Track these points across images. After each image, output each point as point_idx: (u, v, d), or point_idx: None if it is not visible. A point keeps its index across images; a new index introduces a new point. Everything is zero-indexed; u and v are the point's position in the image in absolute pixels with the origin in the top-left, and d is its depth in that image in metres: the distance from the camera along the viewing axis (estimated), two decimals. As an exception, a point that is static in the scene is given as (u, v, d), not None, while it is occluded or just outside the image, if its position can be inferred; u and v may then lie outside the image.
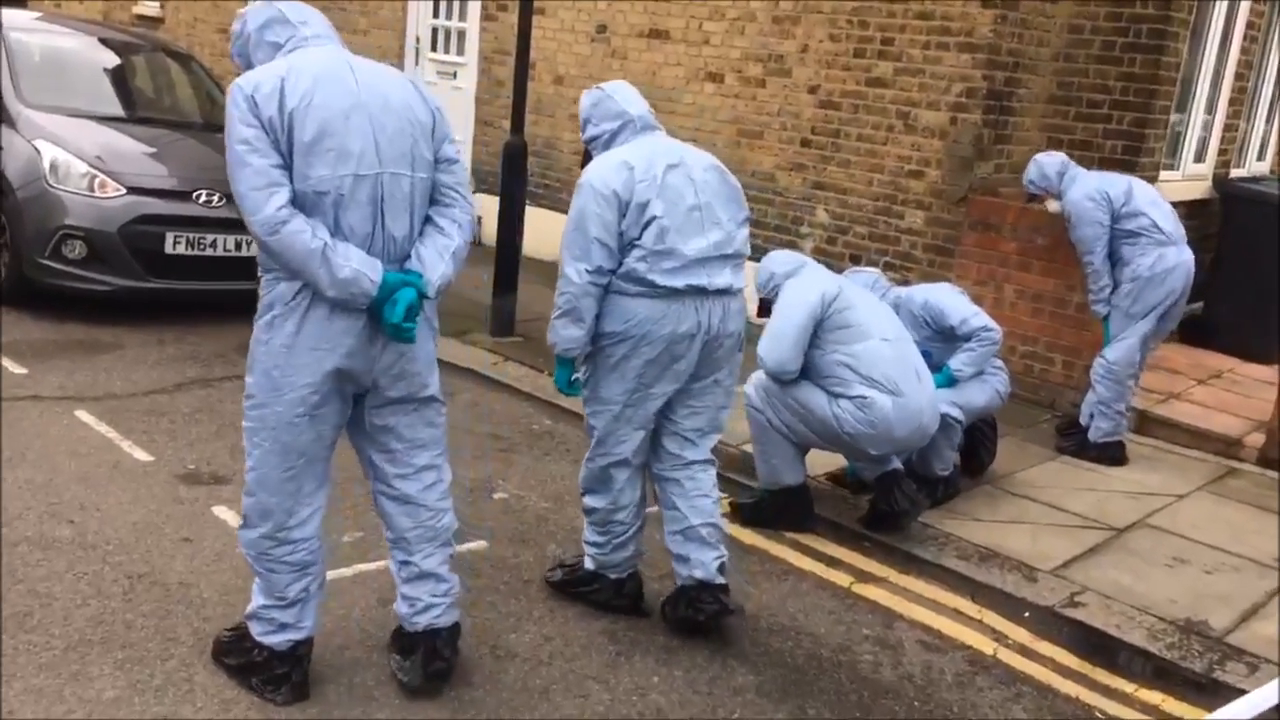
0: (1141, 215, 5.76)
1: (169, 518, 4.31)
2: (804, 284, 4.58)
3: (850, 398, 4.47)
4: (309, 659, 3.30)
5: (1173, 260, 5.78)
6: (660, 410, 3.80)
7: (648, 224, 3.52)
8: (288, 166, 2.88)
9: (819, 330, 4.49)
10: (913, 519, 4.82)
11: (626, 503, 3.86)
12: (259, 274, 3.05)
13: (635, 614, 3.94)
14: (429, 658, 3.32)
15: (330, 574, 3.82)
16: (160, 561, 3.96)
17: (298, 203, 2.88)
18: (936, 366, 4.97)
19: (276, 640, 3.23)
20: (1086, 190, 5.82)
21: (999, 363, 5.28)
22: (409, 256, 3.05)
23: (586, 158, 3.84)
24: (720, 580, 3.82)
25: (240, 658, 3.28)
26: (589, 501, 3.91)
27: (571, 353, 3.68)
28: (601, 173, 3.58)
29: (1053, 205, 6.04)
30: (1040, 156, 6.10)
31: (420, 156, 3.06)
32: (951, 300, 5.10)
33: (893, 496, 4.74)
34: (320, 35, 3.08)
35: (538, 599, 4.01)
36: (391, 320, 2.93)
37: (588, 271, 3.52)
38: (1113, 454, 5.94)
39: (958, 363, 5.01)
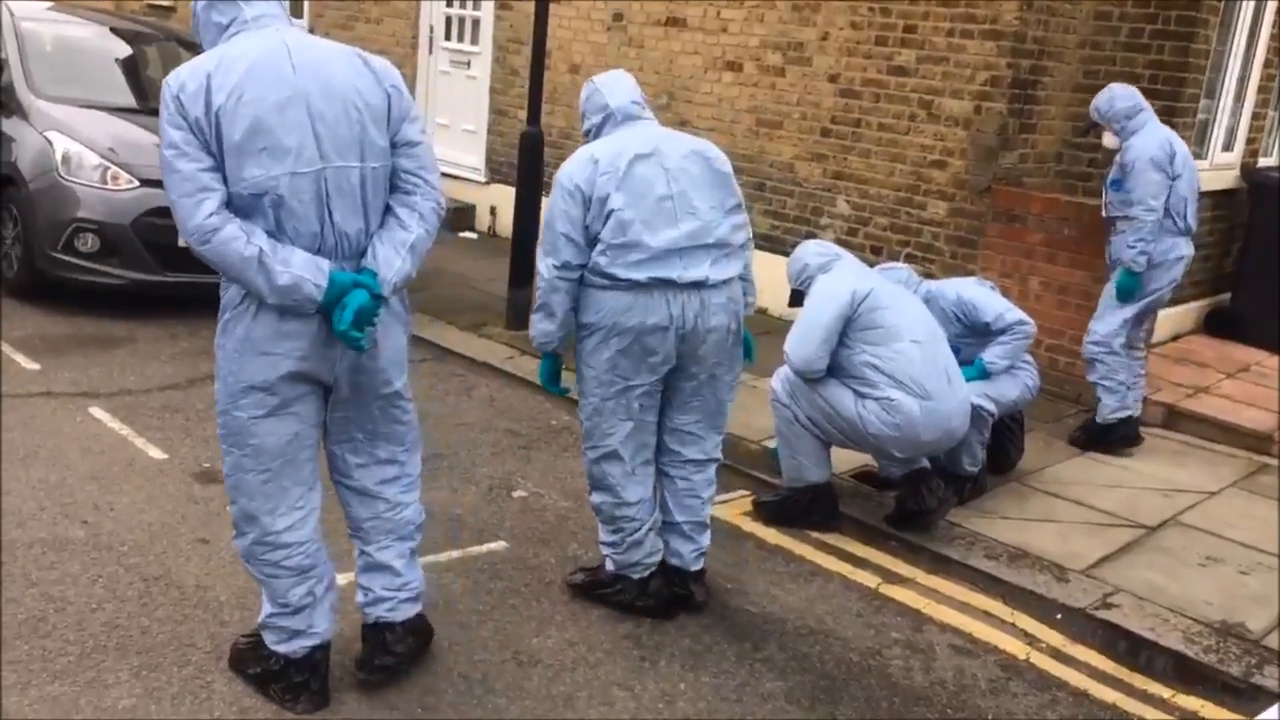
0: (1181, 198, 5.65)
1: (184, 518, 4.24)
2: (835, 281, 4.49)
3: (876, 399, 4.38)
4: (327, 665, 3.22)
5: (1183, 250, 5.73)
6: (661, 407, 3.78)
7: (608, 217, 3.49)
8: (220, 168, 2.72)
9: (848, 329, 4.40)
10: (940, 517, 4.73)
11: (631, 499, 3.78)
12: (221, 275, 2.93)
13: (662, 616, 3.86)
14: (376, 651, 3.26)
15: (350, 577, 3.76)
16: (176, 563, 3.89)
17: (235, 205, 2.74)
18: (968, 362, 4.89)
19: (291, 648, 3.14)
20: (1159, 139, 5.62)
21: (1028, 357, 5.17)
22: (366, 252, 2.91)
23: None
24: (691, 569, 3.93)
25: (258, 665, 3.21)
26: (593, 499, 3.87)
27: (547, 346, 3.72)
28: (568, 168, 3.58)
29: (1109, 140, 5.83)
30: (1116, 86, 5.87)
31: (371, 144, 2.87)
32: (984, 295, 5.00)
33: (920, 495, 4.65)
34: (264, 16, 2.88)
35: (560, 602, 3.93)
36: (339, 327, 2.80)
37: (555, 267, 3.54)
38: (1124, 433, 5.86)
39: (991, 355, 4.91)
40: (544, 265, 3.58)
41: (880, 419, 4.39)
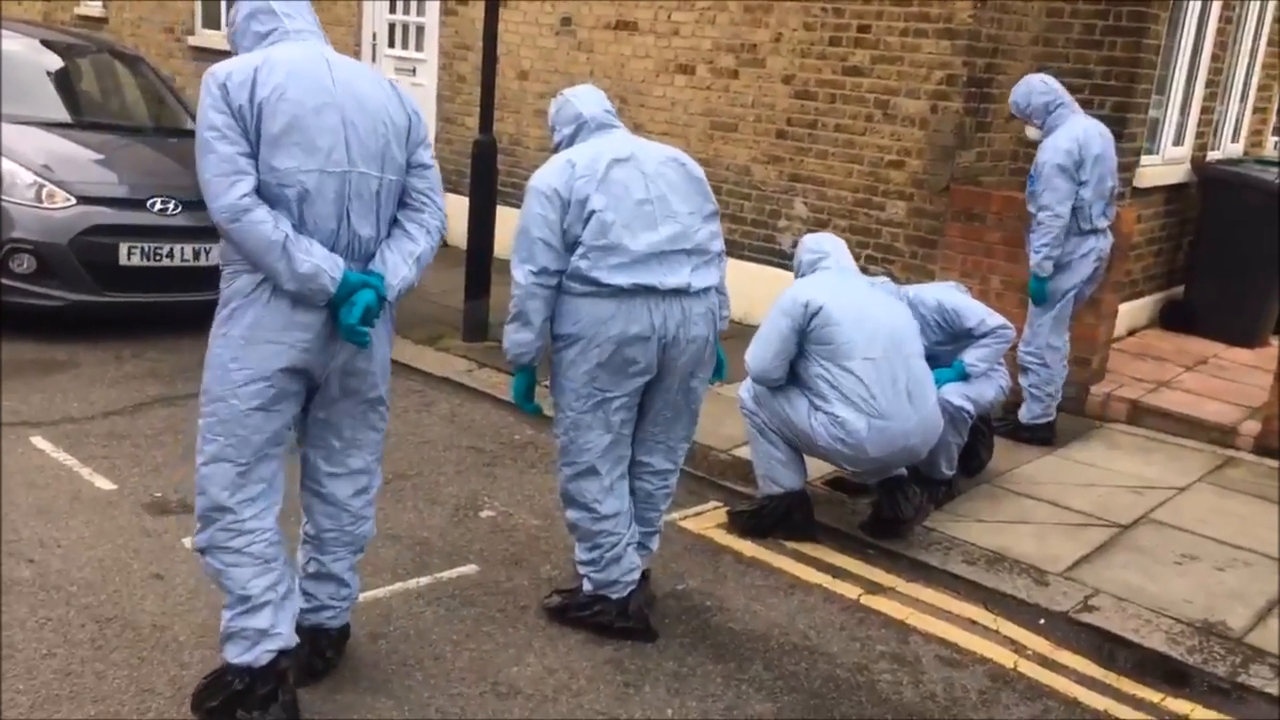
0: (1085, 201, 5.59)
1: (136, 552, 4.04)
2: (797, 289, 4.43)
3: (826, 413, 4.32)
4: (294, 674, 3.10)
5: (1090, 246, 5.71)
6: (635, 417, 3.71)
7: (588, 219, 3.43)
8: (255, 156, 2.84)
9: (804, 340, 4.33)
10: (917, 524, 4.66)
11: (608, 512, 3.68)
12: (221, 268, 3.01)
13: (645, 637, 3.74)
14: (312, 654, 3.29)
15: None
16: (130, 602, 3.69)
17: (261, 195, 2.85)
18: (946, 364, 4.85)
19: (255, 655, 3.00)
20: (1070, 140, 5.55)
21: (1000, 358, 5.13)
22: (373, 256, 3.03)
23: None
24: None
25: (220, 695, 3.03)
26: (569, 516, 3.77)
27: (522, 359, 3.61)
28: (544, 174, 3.54)
29: (1031, 132, 5.82)
30: (1034, 79, 5.81)
31: (391, 158, 3.04)
32: (965, 302, 4.95)
33: (896, 502, 4.57)
34: (304, 30, 3.04)
35: (537, 627, 3.79)
36: (347, 321, 2.91)
37: (532, 273, 3.47)
38: (1043, 436, 5.93)
39: (972, 358, 4.86)
40: (520, 272, 3.49)
41: (828, 433, 4.32)
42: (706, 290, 3.62)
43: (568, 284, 3.49)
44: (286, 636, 3.05)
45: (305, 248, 2.84)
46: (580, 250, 3.45)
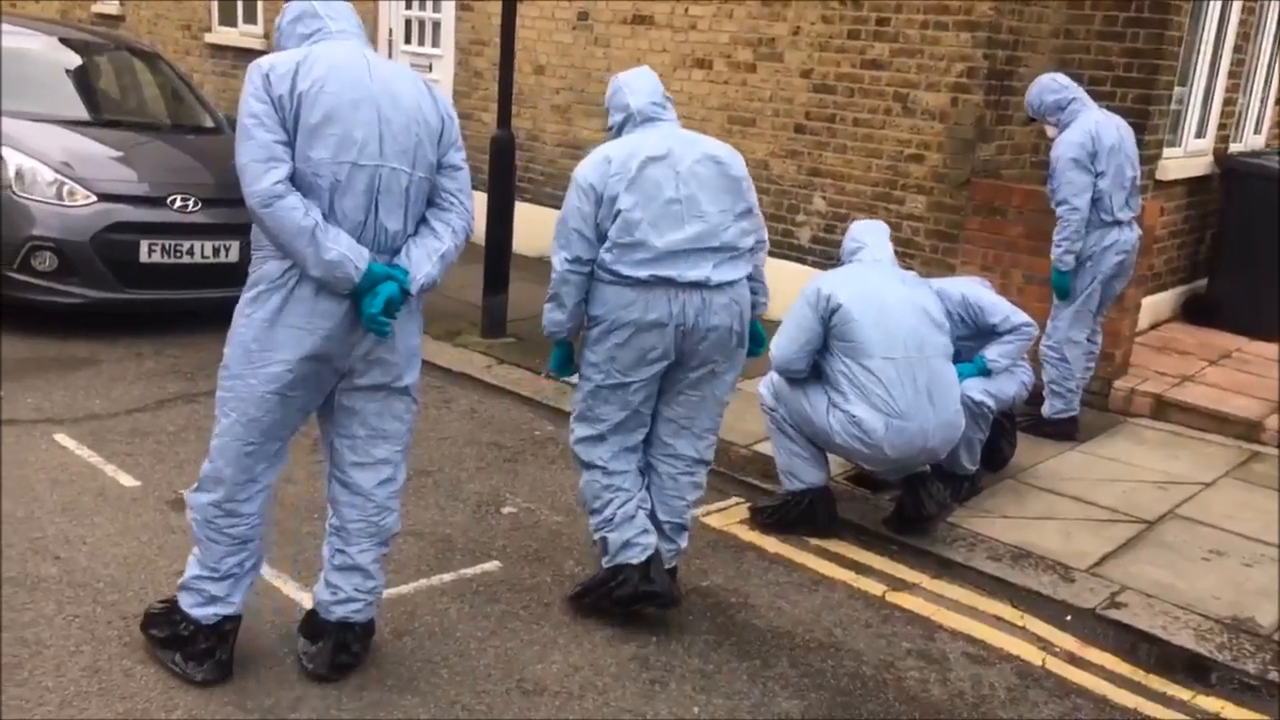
0: (1104, 192, 5.57)
1: (161, 549, 4.04)
2: (821, 279, 4.43)
3: (844, 411, 4.31)
4: (235, 637, 3.29)
5: (1114, 238, 5.68)
6: (658, 395, 3.78)
7: (616, 216, 3.56)
8: (291, 145, 2.94)
9: (829, 334, 4.31)
10: (941, 520, 4.64)
11: (616, 469, 3.77)
12: (253, 251, 3.11)
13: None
14: (338, 649, 3.35)
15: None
16: (156, 599, 3.67)
17: (295, 183, 2.94)
18: (967, 359, 4.82)
19: (204, 613, 3.22)
20: (1082, 134, 5.55)
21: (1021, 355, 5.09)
22: (399, 251, 3.11)
23: None
24: (665, 567, 3.84)
25: (166, 630, 3.28)
26: (582, 480, 3.86)
27: (557, 335, 3.80)
28: (584, 166, 3.66)
29: (1050, 131, 5.83)
30: (1044, 79, 5.83)
31: (422, 157, 3.12)
32: (990, 298, 4.91)
33: (919, 499, 4.55)
34: (346, 31, 3.15)
35: (561, 624, 3.78)
36: (369, 311, 3.00)
37: (567, 260, 3.63)
38: (1066, 430, 5.90)
39: (994, 353, 4.82)
40: (557, 259, 3.66)
41: (846, 431, 4.31)
42: (731, 283, 3.66)
43: (597, 272, 3.65)
44: (237, 606, 3.26)
45: (333, 236, 2.93)
46: (607, 244, 3.58)
